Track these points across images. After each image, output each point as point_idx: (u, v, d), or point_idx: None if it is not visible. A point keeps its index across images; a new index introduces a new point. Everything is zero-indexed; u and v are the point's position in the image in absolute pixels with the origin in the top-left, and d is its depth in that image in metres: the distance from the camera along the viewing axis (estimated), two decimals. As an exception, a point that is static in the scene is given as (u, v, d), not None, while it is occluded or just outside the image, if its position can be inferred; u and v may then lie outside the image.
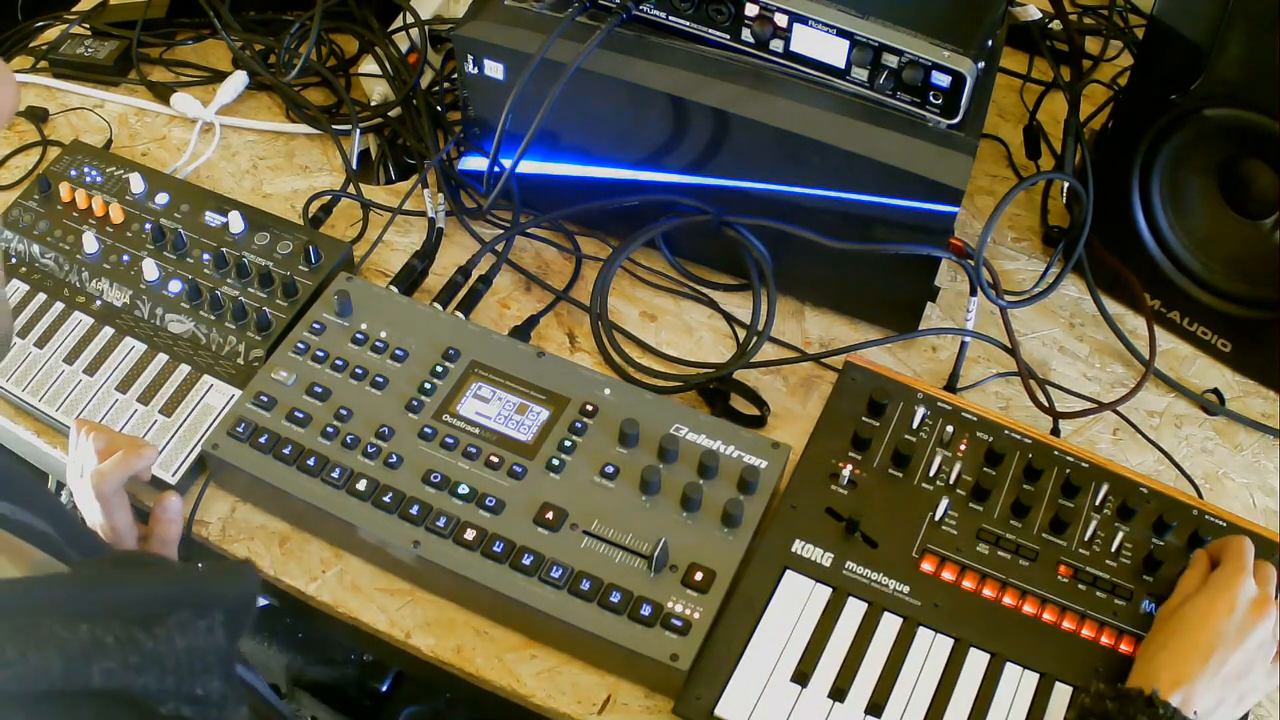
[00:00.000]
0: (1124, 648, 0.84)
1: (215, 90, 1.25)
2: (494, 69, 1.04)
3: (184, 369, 0.99)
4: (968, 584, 0.87)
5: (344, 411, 0.93)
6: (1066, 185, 1.10)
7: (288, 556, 0.92)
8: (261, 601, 1.41)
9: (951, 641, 0.85)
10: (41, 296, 1.04)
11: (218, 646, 0.62)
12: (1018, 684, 0.83)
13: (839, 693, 0.82)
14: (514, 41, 1.02)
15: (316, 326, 0.99)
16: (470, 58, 1.04)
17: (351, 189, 1.17)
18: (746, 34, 0.98)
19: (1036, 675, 0.83)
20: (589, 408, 0.94)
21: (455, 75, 1.19)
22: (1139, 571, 0.88)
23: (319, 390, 0.94)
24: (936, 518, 0.90)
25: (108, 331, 1.02)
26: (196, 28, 1.33)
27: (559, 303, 1.09)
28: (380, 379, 0.95)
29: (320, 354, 0.97)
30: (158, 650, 0.58)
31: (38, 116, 1.24)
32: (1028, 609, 0.86)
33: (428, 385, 0.95)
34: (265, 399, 0.94)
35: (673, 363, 1.05)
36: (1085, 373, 1.07)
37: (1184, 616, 0.83)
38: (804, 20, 0.95)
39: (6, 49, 1.31)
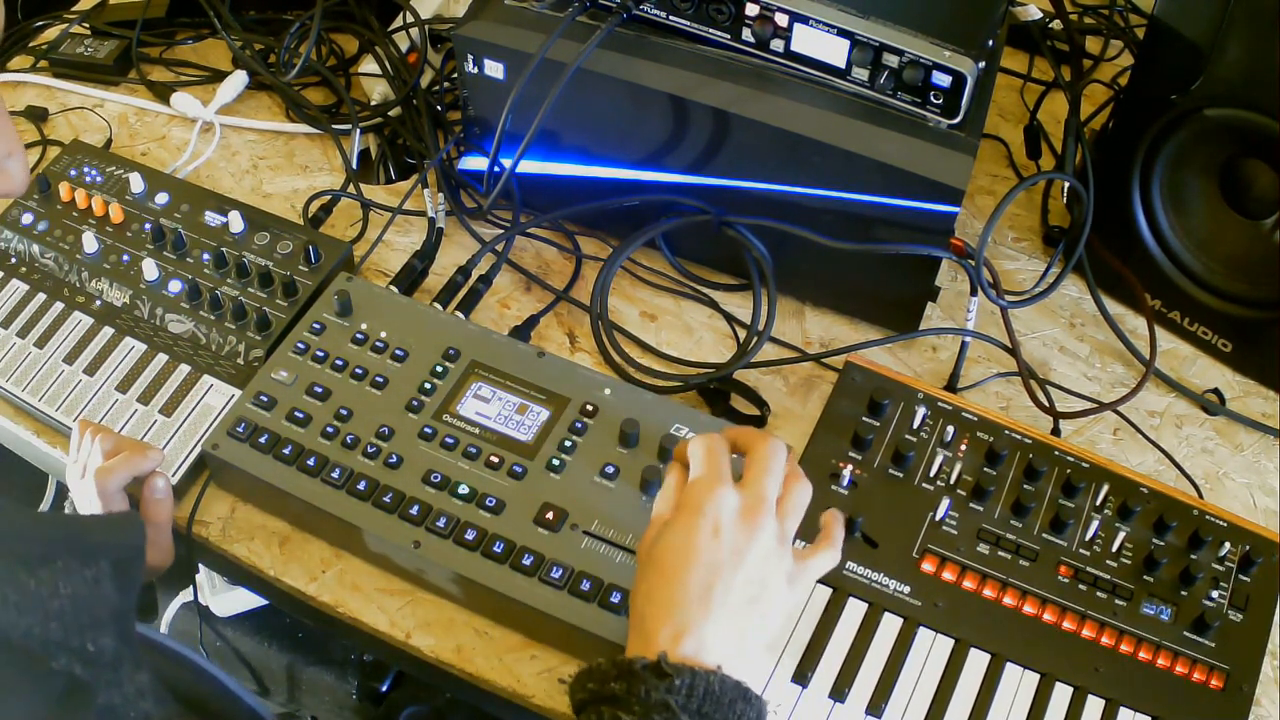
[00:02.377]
0: (1124, 648, 0.84)
1: (215, 90, 1.25)
2: (494, 69, 1.04)
3: (184, 369, 0.99)
4: (968, 584, 0.87)
5: (344, 411, 0.93)
6: (1067, 185, 1.10)
7: (288, 556, 0.92)
8: (260, 602, 1.41)
9: (952, 641, 0.85)
10: (41, 296, 1.04)
11: (107, 599, 0.61)
12: (1018, 684, 0.83)
13: (839, 693, 0.82)
14: (514, 41, 1.01)
15: (316, 326, 0.99)
16: (470, 57, 1.04)
17: (351, 189, 1.17)
18: (747, 34, 0.98)
19: (1037, 675, 0.83)
20: (589, 408, 0.94)
21: (455, 75, 1.19)
22: (1139, 571, 0.88)
23: (319, 390, 0.94)
24: (937, 518, 0.90)
25: (108, 331, 1.02)
26: (196, 27, 1.33)
27: (559, 303, 1.09)
28: (380, 379, 0.95)
29: (320, 354, 0.97)
30: (40, 593, 0.57)
31: (37, 116, 1.24)
32: (1028, 609, 0.86)
33: (428, 385, 0.95)
34: (265, 399, 0.94)
35: (673, 363, 1.05)
36: (1086, 373, 1.07)
37: (662, 556, 0.70)
38: (804, 20, 0.95)
39: (6, 48, 1.31)
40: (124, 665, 0.62)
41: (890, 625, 0.85)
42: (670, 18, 1.00)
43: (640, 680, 0.64)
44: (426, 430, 0.92)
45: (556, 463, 0.90)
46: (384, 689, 1.36)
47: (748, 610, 0.70)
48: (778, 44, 0.97)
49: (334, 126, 1.22)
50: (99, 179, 1.13)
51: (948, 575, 0.87)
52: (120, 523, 0.67)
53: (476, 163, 1.13)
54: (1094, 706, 0.82)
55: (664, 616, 0.68)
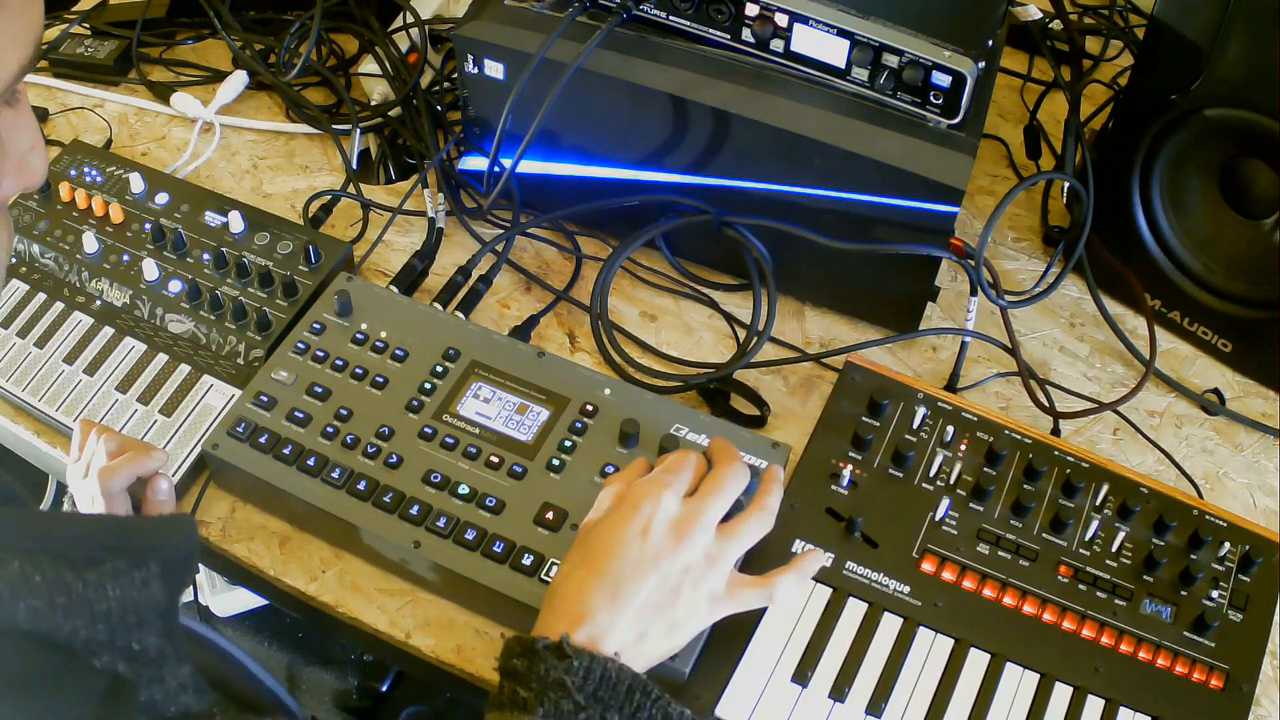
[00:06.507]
0: (1124, 648, 0.84)
1: (215, 90, 1.25)
2: (494, 69, 1.04)
3: (184, 369, 0.99)
4: (968, 584, 0.87)
5: (344, 411, 0.93)
6: (1067, 185, 1.10)
7: (288, 556, 0.92)
8: (260, 602, 1.42)
9: (952, 641, 0.85)
10: (41, 296, 1.04)
11: (154, 601, 0.61)
12: (1018, 684, 0.83)
13: (839, 693, 0.82)
14: (514, 41, 1.02)
15: (316, 326, 0.99)
16: (470, 58, 1.04)
17: (351, 189, 1.17)
18: (747, 34, 0.98)
19: (1037, 675, 0.83)
20: (589, 408, 0.94)
21: (455, 75, 1.19)
22: (1139, 571, 0.88)
23: (319, 390, 0.94)
24: (937, 518, 0.90)
25: (108, 331, 1.02)
26: (196, 27, 1.33)
27: (559, 303, 1.09)
28: (380, 379, 0.95)
29: (320, 354, 0.97)
30: (87, 595, 0.57)
31: (38, 116, 1.24)
32: (1028, 609, 0.86)
33: (428, 385, 0.95)
34: (265, 399, 0.94)
35: (673, 363, 1.05)
36: (1085, 373, 1.07)
37: (592, 541, 0.74)
38: (804, 20, 0.95)
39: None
40: (167, 661, 0.61)
41: (890, 625, 0.85)
42: (670, 18, 1.00)
43: (540, 659, 0.68)
44: (426, 430, 0.92)
45: (556, 463, 0.90)
46: (384, 689, 1.36)
47: (653, 614, 0.73)
48: (777, 44, 0.97)
49: (334, 126, 1.22)
50: (99, 179, 1.13)
51: (947, 575, 0.87)
52: (172, 525, 0.67)
53: (476, 163, 1.13)
54: (1094, 706, 0.82)
55: (573, 599, 0.72)
